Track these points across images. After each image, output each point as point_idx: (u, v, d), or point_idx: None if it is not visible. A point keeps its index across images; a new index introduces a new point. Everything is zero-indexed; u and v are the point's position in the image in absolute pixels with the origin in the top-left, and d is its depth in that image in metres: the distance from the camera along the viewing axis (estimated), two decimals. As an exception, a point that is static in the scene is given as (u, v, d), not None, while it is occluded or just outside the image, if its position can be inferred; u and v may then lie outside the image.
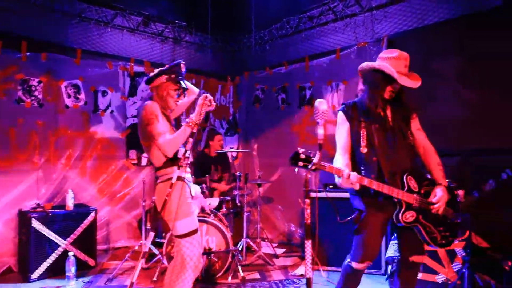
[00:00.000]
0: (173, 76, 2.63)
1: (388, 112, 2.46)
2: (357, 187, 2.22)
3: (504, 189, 3.72)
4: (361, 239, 2.39)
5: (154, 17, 5.59)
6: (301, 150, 2.05)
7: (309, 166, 2.00)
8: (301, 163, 2.02)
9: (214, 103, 2.57)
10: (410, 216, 2.31)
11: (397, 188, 2.27)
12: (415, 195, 2.32)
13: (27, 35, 4.53)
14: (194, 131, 2.49)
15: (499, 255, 3.55)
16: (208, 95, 2.54)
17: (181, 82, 2.67)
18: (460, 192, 3.51)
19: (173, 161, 2.57)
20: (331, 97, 5.26)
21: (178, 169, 2.44)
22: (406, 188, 2.30)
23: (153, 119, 2.50)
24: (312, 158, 2.02)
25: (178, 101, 2.70)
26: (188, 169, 2.67)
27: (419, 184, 2.37)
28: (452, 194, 2.47)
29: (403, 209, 2.29)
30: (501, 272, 3.43)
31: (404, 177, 2.31)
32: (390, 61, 2.38)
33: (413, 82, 2.40)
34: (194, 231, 2.58)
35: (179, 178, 2.49)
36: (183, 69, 2.70)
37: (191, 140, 2.46)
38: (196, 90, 2.98)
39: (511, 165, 3.69)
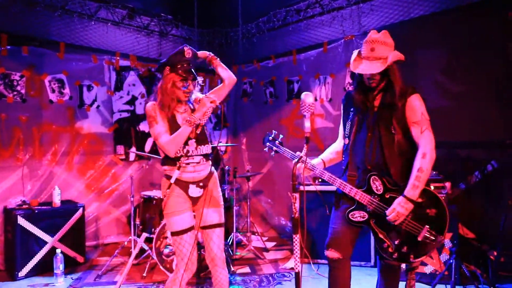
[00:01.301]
0: (177, 66, 2.45)
1: (376, 103, 2.27)
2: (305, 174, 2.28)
3: (489, 180, 3.79)
4: (329, 226, 2.37)
5: (139, 10, 5.50)
6: (272, 133, 2.55)
7: (271, 147, 2.50)
8: (267, 144, 2.49)
9: (218, 101, 2.46)
10: (359, 216, 2.22)
11: (351, 185, 2.21)
12: (371, 196, 2.19)
13: (7, 28, 4.41)
14: (198, 132, 2.44)
15: (485, 246, 3.62)
16: (212, 98, 2.42)
17: (186, 72, 2.46)
18: (447, 184, 3.57)
19: (173, 160, 2.45)
20: (319, 91, 5.27)
21: (178, 169, 2.40)
22: (365, 188, 2.21)
23: (151, 121, 2.44)
24: (277, 140, 2.49)
25: (188, 93, 2.50)
26: (191, 168, 2.49)
27: (385, 187, 2.18)
28: (429, 208, 2.15)
29: (353, 207, 2.23)
30: (486, 262, 3.51)
31: (368, 175, 2.20)
32: (362, 46, 2.25)
33: (367, 68, 2.16)
34: (183, 231, 2.46)
35: (177, 180, 2.44)
36: (188, 55, 2.50)
37: (193, 141, 2.43)
38: (233, 78, 2.71)
39: (497, 157, 3.75)
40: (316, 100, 5.21)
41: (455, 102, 4.05)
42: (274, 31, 5.75)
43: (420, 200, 2.12)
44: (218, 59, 2.66)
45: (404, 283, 2.50)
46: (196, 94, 2.58)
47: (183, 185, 2.49)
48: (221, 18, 6.18)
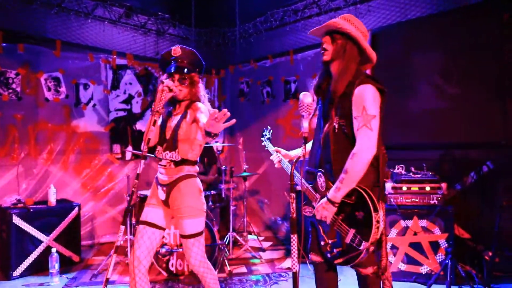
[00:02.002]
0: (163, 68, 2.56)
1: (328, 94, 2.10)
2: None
3: (485, 181, 3.81)
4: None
5: (136, 9, 5.48)
6: (268, 130, 2.64)
7: (265, 143, 2.63)
8: (262, 139, 2.59)
9: (176, 89, 2.46)
10: (308, 211, 2.16)
11: (306, 180, 2.16)
12: (315, 193, 2.11)
13: (3, 25, 4.38)
14: (156, 118, 2.34)
15: (480, 246, 3.65)
16: (168, 81, 2.42)
17: (172, 72, 2.49)
18: (443, 185, 3.59)
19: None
20: (316, 91, 5.27)
21: (144, 159, 2.31)
22: (313, 184, 2.13)
23: None
24: (267, 136, 2.64)
25: (178, 89, 2.49)
26: (160, 169, 2.54)
27: (327, 185, 2.03)
28: (358, 212, 1.93)
29: (304, 202, 2.19)
30: (482, 262, 3.53)
31: (317, 172, 2.10)
32: None
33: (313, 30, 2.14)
34: (141, 222, 2.53)
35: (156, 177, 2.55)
36: (174, 55, 2.53)
37: (153, 128, 2.33)
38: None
39: (492, 158, 3.78)
40: (313, 100, 5.21)
41: (451, 103, 4.07)
42: (271, 31, 5.75)
43: (350, 201, 1.94)
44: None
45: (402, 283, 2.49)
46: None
47: (157, 183, 2.59)
48: (219, 17, 6.17)
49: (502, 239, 3.50)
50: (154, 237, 2.50)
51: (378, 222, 1.84)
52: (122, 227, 2.22)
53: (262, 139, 2.69)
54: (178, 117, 2.54)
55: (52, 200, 4.21)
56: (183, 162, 2.51)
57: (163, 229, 2.57)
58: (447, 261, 3.38)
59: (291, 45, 5.60)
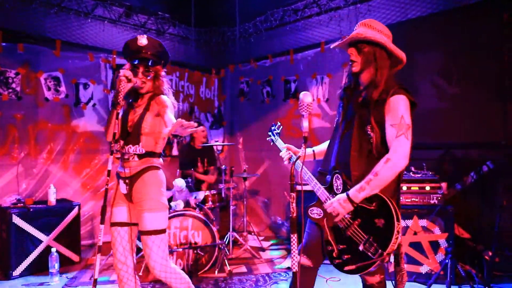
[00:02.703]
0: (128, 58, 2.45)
1: (359, 99, 2.05)
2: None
3: (485, 181, 3.81)
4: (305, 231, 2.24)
5: (136, 8, 5.47)
6: (277, 125, 2.56)
7: (272, 138, 2.54)
8: (269, 134, 2.54)
9: (135, 79, 2.34)
10: (316, 212, 2.09)
11: (318, 181, 2.10)
12: (329, 194, 2.04)
13: (2, 24, 4.37)
14: (118, 111, 2.25)
15: (480, 246, 3.64)
16: (125, 71, 2.29)
17: (136, 64, 2.39)
18: (443, 185, 3.58)
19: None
20: (316, 90, 5.27)
21: (111, 154, 2.24)
22: (328, 185, 2.07)
23: None
24: (275, 131, 2.54)
25: (141, 81, 2.40)
26: (121, 163, 2.46)
27: (344, 188, 1.98)
28: (377, 217, 1.87)
29: (314, 202, 2.13)
30: (482, 262, 3.53)
31: (333, 173, 2.05)
32: None
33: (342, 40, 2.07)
34: (113, 223, 2.48)
35: (116, 173, 2.47)
36: (140, 45, 2.40)
37: (116, 121, 2.24)
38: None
39: (492, 158, 3.78)
40: (313, 100, 5.21)
41: (452, 103, 4.07)
42: (271, 31, 5.75)
43: (371, 207, 1.89)
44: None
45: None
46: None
47: (118, 178, 2.49)
48: (219, 17, 6.17)
49: (502, 239, 3.50)
50: (127, 235, 2.43)
51: (398, 232, 1.80)
52: (102, 226, 2.20)
53: (269, 133, 2.58)
54: (141, 109, 2.43)
55: (52, 199, 4.20)
56: (147, 154, 2.42)
57: (134, 224, 2.47)
58: (447, 260, 3.38)
59: (291, 44, 5.60)
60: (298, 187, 2.60)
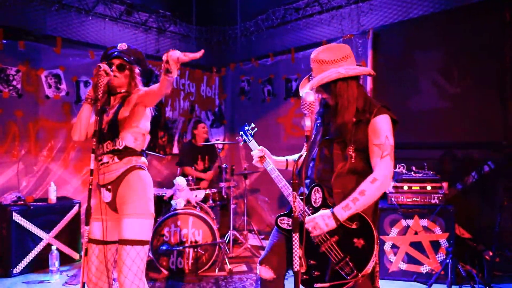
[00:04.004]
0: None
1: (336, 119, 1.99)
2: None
3: (486, 181, 3.81)
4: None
5: (137, 6, 5.46)
6: (250, 126, 2.49)
7: (245, 138, 2.45)
8: (241, 133, 2.42)
9: (112, 73, 2.17)
10: (286, 223, 2.04)
11: (291, 188, 1.98)
12: (306, 206, 1.98)
13: (3, 22, 4.36)
14: (98, 107, 2.12)
15: (481, 246, 3.64)
16: (102, 64, 2.13)
17: (112, 57, 2.27)
18: (444, 184, 3.58)
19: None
20: (317, 89, 5.26)
21: (93, 153, 2.03)
22: (304, 196, 2.00)
23: None
24: (249, 131, 2.44)
25: (116, 75, 2.24)
26: (102, 169, 2.19)
27: (323, 202, 1.95)
28: (356, 236, 1.84)
29: (285, 212, 2.07)
30: (482, 262, 3.53)
31: (312, 185, 2.00)
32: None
33: (302, 92, 1.96)
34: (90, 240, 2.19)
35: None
36: (118, 48, 2.32)
37: (96, 118, 2.09)
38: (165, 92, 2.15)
39: (493, 157, 3.77)
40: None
41: (453, 103, 4.07)
42: (272, 29, 5.74)
43: (351, 226, 1.86)
44: (171, 74, 1.98)
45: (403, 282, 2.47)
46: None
47: (98, 188, 2.24)
48: (220, 15, 6.16)
49: (503, 239, 3.51)
50: (101, 255, 2.16)
51: (375, 256, 1.80)
52: (87, 228, 2.01)
53: (241, 132, 2.47)
54: (115, 108, 2.26)
55: (53, 197, 4.20)
56: (128, 153, 2.20)
57: (110, 242, 2.19)
58: (447, 260, 3.38)
59: (292, 43, 5.59)
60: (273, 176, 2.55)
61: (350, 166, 1.93)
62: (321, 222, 1.87)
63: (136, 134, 2.25)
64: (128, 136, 2.22)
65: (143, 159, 2.31)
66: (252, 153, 2.30)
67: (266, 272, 2.05)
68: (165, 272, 3.86)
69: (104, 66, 2.13)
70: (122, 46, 2.34)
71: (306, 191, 2.04)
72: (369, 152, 1.92)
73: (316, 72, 1.99)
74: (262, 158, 2.24)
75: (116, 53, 2.28)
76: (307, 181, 2.08)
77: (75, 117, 4.92)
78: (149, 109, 2.33)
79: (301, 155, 2.16)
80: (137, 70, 2.32)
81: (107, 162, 2.18)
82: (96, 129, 2.06)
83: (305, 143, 1.97)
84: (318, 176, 2.02)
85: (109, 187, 2.17)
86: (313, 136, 2.16)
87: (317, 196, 1.99)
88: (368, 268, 1.80)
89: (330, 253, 1.89)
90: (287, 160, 2.37)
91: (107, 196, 2.19)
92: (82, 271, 2.02)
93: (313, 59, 2.01)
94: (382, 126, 1.90)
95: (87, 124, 2.27)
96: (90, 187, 2.04)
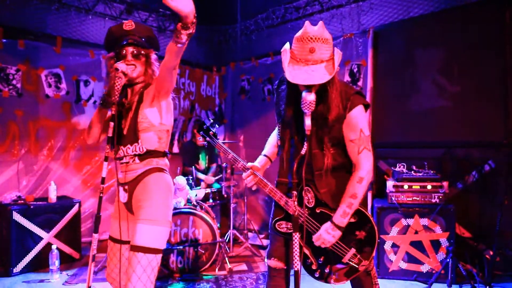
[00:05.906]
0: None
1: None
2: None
3: (486, 180, 3.80)
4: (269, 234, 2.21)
5: (137, 5, 5.46)
6: (209, 122, 2.21)
7: (207, 139, 2.15)
8: (202, 133, 2.14)
9: (130, 72, 2.02)
10: (286, 227, 2.05)
11: (281, 193, 2.01)
12: (301, 209, 1.96)
13: (3, 21, 4.35)
14: (114, 112, 1.93)
15: (481, 245, 3.64)
16: (119, 65, 1.96)
17: (125, 45, 2.07)
18: (445, 184, 3.58)
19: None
20: (317, 88, 5.25)
21: (105, 160, 1.92)
22: (296, 199, 1.94)
23: None
24: (211, 130, 2.15)
25: (133, 64, 2.07)
26: (126, 160, 2.08)
27: (317, 201, 1.99)
28: (361, 231, 1.96)
29: (280, 216, 2.06)
30: (483, 261, 3.53)
31: (300, 187, 1.98)
32: (294, 44, 1.86)
33: (308, 77, 1.77)
34: (110, 237, 2.18)
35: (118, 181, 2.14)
36: (126, 29, 2.11)
37: (111, 124, 1.94)
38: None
39: (494, 157, 3.77)
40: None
41: (453, 102, 4.06)
42: (272, 28, 5.73)
43: (352, 220, 1.93)
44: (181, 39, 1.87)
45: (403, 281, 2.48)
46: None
47: (118, 185, 2.15)
48: (220, 14, 6.15)
49: (503, 238, 3.50)
50: (119, 253, 2.13)
51: (377, 240, 1.98)
52: (96, 235, 1.90)
53: (201, 133, 2.18)
54: (133, 107, 2.08)
55: (53, 196, 4.20)
56: (150, 154, 2.07)
57: (126, 242, 2.10)
58: (448, 260, 3.37)
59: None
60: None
61: (329, 166, 1.96)
62: (327, 236, 1.93)
63: (161, 132, 2.10)
64: (151, 137, 2.07)
65: (166, 160, 2.16)
66: (245, 181, 2.14)
67: (276, 264, 2.10)
68: (165, 271, 3.86)
69: (121, 66, 1.95)
70: (128, 25, 2.11)
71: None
72: (346, 147, 1.95)
73: (324, 52, 1.77)
74: (254, 176, 2.12)
75: (126, 40, 2.07)
76: (290, 179, 2.08)
77: (75, 117, 4.96)
78: (170, 99, 2.15)
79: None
80: (154, 56, 2.15)
81: (127, 162, 2.08)
82: (111, 135, 1.93)
83: (305, 142, 1.98)
84: (300, 175, 1.97)
85: (126, 187, 2.08)
86: (279, 126, 2.10)
87: (309, 196, 2.03)
88: (372, 254, 1.97)
89: (336, 249, 1.99)
90: (267, 156, 2.33)
91: (123, 196, 2.10)
92: (88, 276, 1.91)
93: (317, 36, 1.77)
94: (357, 121, 1.91)
95: (103, 126, 2.17)
96: (101, 195, 1.93)
